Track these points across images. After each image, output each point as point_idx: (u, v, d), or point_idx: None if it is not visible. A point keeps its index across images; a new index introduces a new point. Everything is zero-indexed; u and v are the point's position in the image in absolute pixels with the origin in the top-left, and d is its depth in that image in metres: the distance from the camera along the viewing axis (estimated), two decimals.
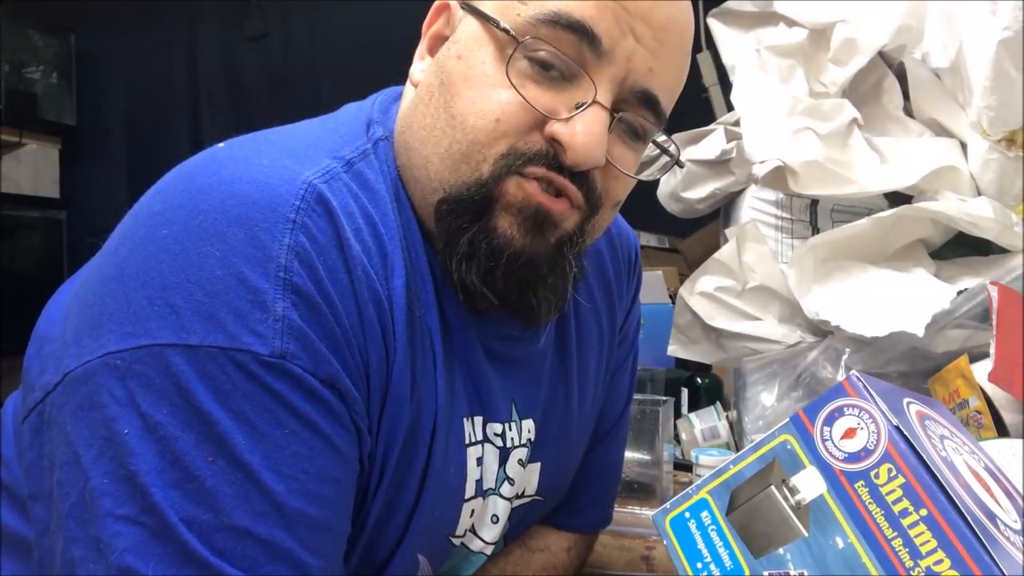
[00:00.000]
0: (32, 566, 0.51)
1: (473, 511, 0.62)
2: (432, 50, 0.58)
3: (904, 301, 0.91)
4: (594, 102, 0.51)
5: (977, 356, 0.82)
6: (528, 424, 0.65)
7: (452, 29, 0.56)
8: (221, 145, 0.52)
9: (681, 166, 0.62)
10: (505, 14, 0.52)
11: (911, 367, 0.93)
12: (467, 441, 0.60)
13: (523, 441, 0.65)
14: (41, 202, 2.81)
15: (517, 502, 0.67)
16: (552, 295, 0.56)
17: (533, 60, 0.51)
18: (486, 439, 0.61)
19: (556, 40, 0.51)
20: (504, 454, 0.63)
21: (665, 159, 0.62)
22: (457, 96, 0.52)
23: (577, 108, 0.52)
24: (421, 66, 0.58)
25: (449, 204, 0.53)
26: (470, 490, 0.60)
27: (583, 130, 0.51)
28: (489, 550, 0.65)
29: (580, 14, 0.51)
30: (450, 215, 0.53)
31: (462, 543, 0.63)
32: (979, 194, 1.00)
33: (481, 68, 0.52)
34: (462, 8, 0.56)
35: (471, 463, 0.60)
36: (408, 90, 0.59)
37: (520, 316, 0.57)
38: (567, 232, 0.55)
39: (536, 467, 0.68)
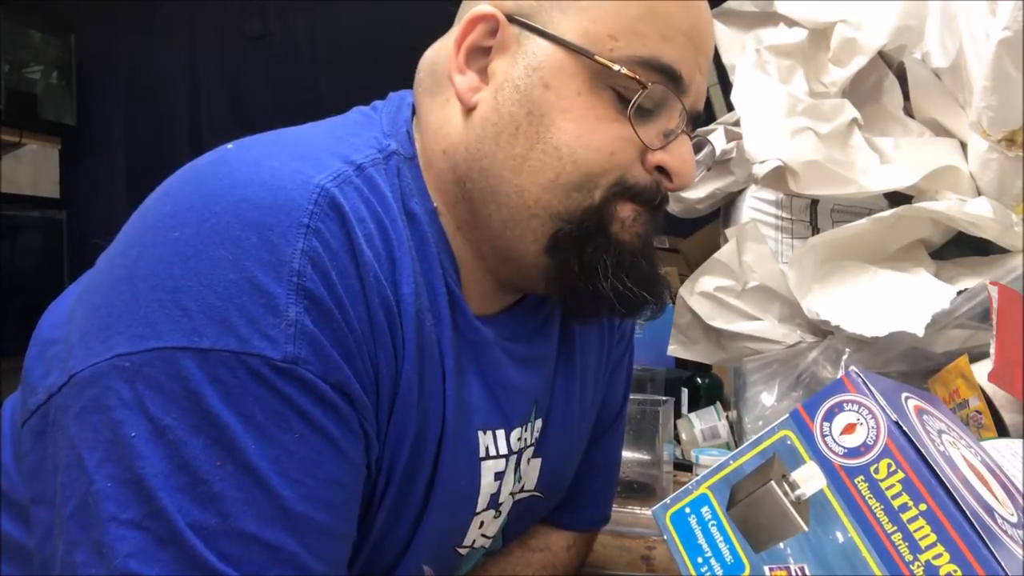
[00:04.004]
0: (32, 573, 0.51)
1: (483, 523, 0.61)
2: (470, 63, 0.55)
3: (904, 301, 0.91)
4: (683, 131, 0.56)
5: (977, 356, 0.82)
6: (538, 423, 0.65)
7: (504, 46, 0.54)
8: (229, 146, 0.51)
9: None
10: (598, 47, 0.53)
11: (911, 367, 0.93)
12: (482, 454, 0.59)
13: (532, 440, 0.65)
14: (41, 202, 2.81)
15: (517, 496, 0.67)
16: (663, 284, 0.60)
17: (629, 93, 0.53)
18: (511, 452, 0.61)
19: (646, 79, 0.53)
20: (518, 458, 0.63)
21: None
22: (554, 127, 0.53)
23: (665, 136, 0.55)
24: (465, 81, 0.55)
25: (567, 233, 0.54)
26: (482, 503, 0.60)
27: (685, 159, 0.56)
28: (488, 543, 0.65)
29: (670, 59, 0.54)
30: (573, 242, 0.54)
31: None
32: (979, 194, 1.00)
33: (579, 100, 0.53)
34: (527, 29, 0.54)
35: (487, 477, 0.60)
36: (452, 108, 0.56)
37: (648, 309, 0.59)
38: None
39: (537, 463, 0.68)
